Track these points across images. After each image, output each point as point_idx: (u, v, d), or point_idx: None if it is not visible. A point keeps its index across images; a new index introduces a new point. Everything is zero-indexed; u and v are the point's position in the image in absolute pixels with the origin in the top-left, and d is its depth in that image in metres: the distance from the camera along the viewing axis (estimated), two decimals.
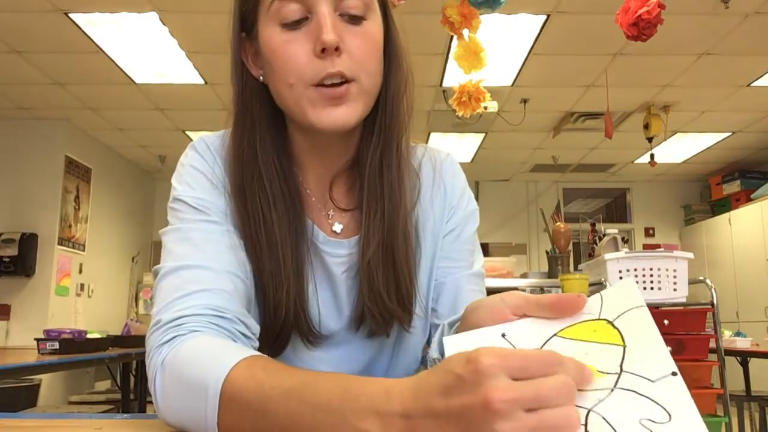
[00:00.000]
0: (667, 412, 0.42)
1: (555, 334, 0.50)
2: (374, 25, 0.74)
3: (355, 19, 0.72)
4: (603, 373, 0.46)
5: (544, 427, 0.40)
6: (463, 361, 0.43)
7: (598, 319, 0.50)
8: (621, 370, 0.46)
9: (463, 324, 0.61)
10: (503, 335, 0.52)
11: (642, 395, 0.43)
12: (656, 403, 0.43)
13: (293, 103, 0.73)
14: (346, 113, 0.72)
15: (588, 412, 0.43)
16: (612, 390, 0.44)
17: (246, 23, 0.77)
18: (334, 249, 0.81)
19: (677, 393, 0.43)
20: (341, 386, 0.49)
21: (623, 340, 0.48)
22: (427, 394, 0.44)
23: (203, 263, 0.70)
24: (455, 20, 2.60)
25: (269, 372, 0.54)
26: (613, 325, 0.49)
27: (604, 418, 0.43)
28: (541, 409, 0.41)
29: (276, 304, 0.75)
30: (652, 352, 0.46)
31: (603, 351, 0.47)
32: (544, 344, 0.50)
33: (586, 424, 0.43)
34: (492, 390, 0.40)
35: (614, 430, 0.42)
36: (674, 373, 0.44)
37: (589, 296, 0.53)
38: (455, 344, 0.53)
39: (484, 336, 0.53)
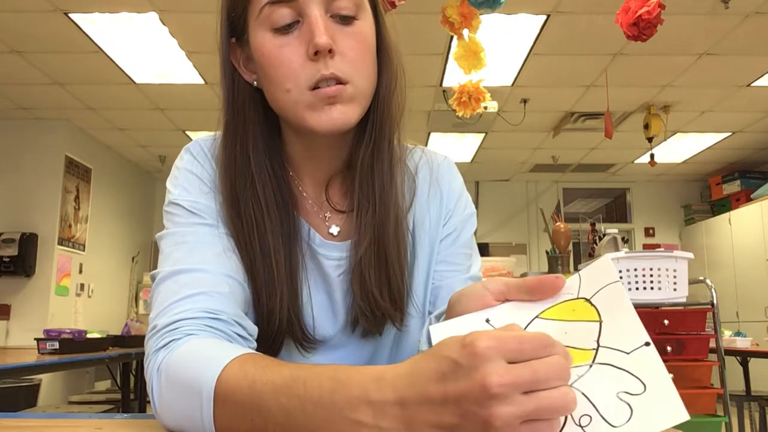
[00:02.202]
0: (642, 382, 0.43)
1: (537, 316, 0.51)
2: (366, 24, 0.74)
3: (347, 20, 0.72)
4: (582, 349, 0.47)
5: (542, 409, 0.41)
6: (458, 345, 0.43)
7: (577, 298, 0.51)
8: (598, 345, 0.47)
9: (448, 314, 0.62)
10: (487, 320, 0.54)
11: (618, 368, 0.45)
12: (631, 374, 0.44)
13: (291, 108, 0.72)
14: (344, 114, 0.71)
15: None
16: (590, 365, 0.46)
17: (236, 29, 0.76)
18: (330, 252, 0.81)
19: (650, 363, 0.44)
20: (332, 378, 0.49)
21: (599, 316, 0.49)
22: (422, 381, 0.44)
23: (199, 266, 0.70)
24: (455, 20, 2.60)
25: (261, 368, 0.54)
26: (590, 303, 0.50)
27: (583, 393, 0.44)
28: (538, 391, 0.41)
29: (269, 312, 0.75)
30: (626, 325, 0.47)
31: (581, 328, 0.48)
32: (526, 326, 0.51)
33: None
34: (489, 374, 0.40)
35: (593, 404, 0.43)
36: (647, 344, 0.45)
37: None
38: (441, 332, 0.54)
39: (469, 322, 0.55)
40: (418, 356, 0.46)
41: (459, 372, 0.42)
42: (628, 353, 0.45)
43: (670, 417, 0.41)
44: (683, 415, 0.41)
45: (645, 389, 0.43)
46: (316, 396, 0.48)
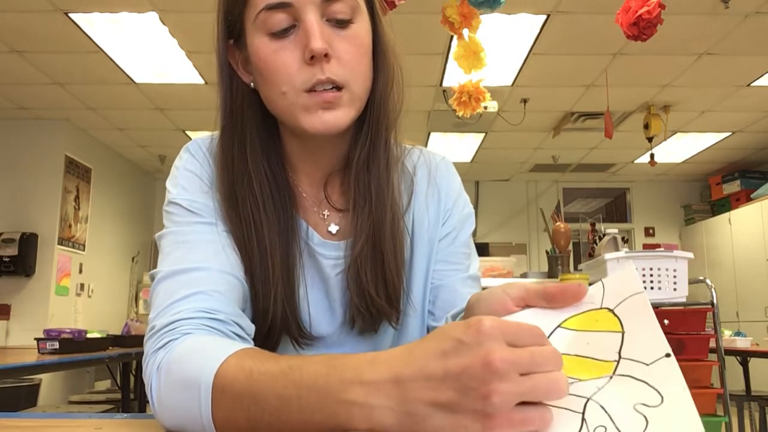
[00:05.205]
0: (660, 394, 0.44)
1: (559, 325, 0.51)
2: (362, 27, 0.74)
3: (343, 23, 0.72)
4: (604, 361, 0.47)
5: (537, 390, 0.42)
6: (462, 326, 0.44)
7: (600, 308, 0.51)
8: (619, 357, 0.47)
9: (467, 316, 0.62)
10: None
11: (638, 380, 0.45)
12: (650, 386, 0.44)
13: (286, 110, 0.73)
14: (338, 117, 0.72)
15: (587, 401, 0.45)
16: (611, 377, 0.46)
17: (233, 31, 0.77)
18: (329, 251, 0.81)
19: (670, 374, 0.45)
20: (327, 363, 0.49)
21: (622, 327, 0.49)
22: (422, 358, 0.45)
23: (198, 265, 0.70)
24: (455, 20, 2.60)
25: (258, 360, 0.55)
26: (613, 313, 0.50)
27: (601, 406, 0.44)
28: (534, 374, 0.42)
29: (265, 309, 0.76)
30: (648, 336, 0.47)
31: (603, 339, 0.48)
32: (549, 336, 0.50)
33: (584, 413, 0.44)
34: (493, 351, 0.42)
35: (609, 417, 0.43)
36: (668, 355, 0.46)
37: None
38: None
39: None
40: (417, 340, 0.47)
41: (462, 349, 0.43)
42: (648, 365, 0.45)
43: (685, 430, 0.41)
44: (698, 429, 0.41)
45: (662, 401, 0.43)
46: (311, 381, 0.49)
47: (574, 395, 0.45)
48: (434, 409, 0.43)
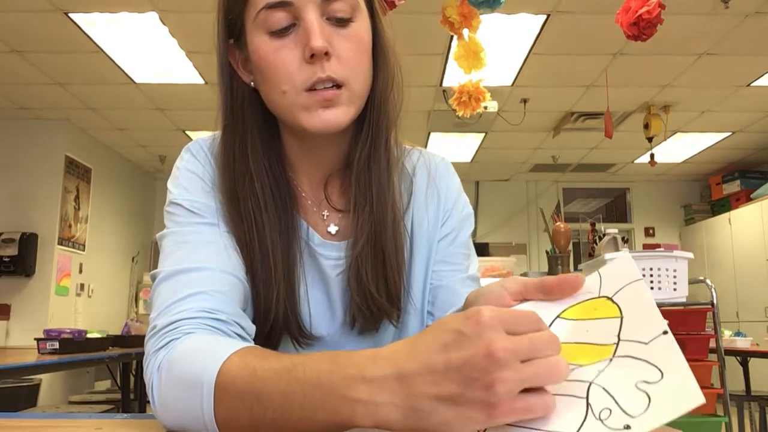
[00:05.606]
0: (660, 370, 0.44)
1: (558, 316, 0.51)
2: (362, 26, 0.75)
3: (343, 22, 0.73)
4: (603, 345, 0.48)
5: (538, 375, 0.43)
6: (461, 318, 0.45)
7: (598, 297, 0.51)
8: (619, 339, 0.48)
9: None
10: None
11: (637, 359, 0.46)
12: (650, 363, 0.45)
13: (286, 108, 0.73)
14: (337, 116, 0.72)
15: (589, 385, 0.45)
16: (611, 360, 0.46)
17: (233, 31, 0.77)
18: (329, 251, 0.81)
19: (668, 350, 0.45)
20: (330, 360, 0.50)
21: (621, 312, 0.49)
22: (423, 352, 0.45)
23: (199, 265, 0.70)
24: (455, 20, 2.60)
25: (261, 358, 0.55)
26: (612, 301, 0.50)
27: (604, 388, 0.45)
28: (534, 359, 0.43)
29: (266, 309, 0.76)
30: (645, 317, 0.48)
31: (602, 325, 0.49)
32: (549, 327, 0.51)
33: (588, 397, 0.45)
34: (494, 341, 0.42)
35: (612, 398, 0.44)
36: (665, 332, 0.46)
37: None
38: None
39: None
40: (416, 334, 0.48)
41: (463, 340, 0.43)
42: (646, 343, 0.46)
43: (686, 402, 0.42)
44: (699, 399, 0.42)
45: (662, 376, 0.44)
46: (314, 378, 0.49)
47: (577, 381, 0.46)
48: (438, 403, 0.43)
